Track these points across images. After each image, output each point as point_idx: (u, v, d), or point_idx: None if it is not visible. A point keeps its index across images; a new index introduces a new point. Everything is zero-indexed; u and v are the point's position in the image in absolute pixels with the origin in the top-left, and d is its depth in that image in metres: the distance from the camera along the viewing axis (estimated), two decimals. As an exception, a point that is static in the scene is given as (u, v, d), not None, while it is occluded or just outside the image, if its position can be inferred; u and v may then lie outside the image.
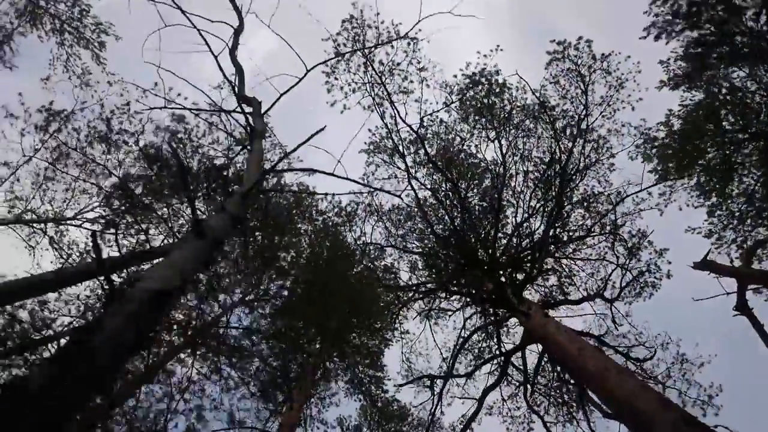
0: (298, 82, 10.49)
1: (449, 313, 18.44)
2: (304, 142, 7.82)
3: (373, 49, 13.86)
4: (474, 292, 15.88)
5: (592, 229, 16.70)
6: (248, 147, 9.69)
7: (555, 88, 15.58)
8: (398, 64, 14.20)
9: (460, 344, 15.94)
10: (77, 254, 14.53)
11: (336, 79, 14.22)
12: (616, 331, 15.61)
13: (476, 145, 17.77)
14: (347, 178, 8.91)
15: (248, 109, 10.55)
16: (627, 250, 16.71)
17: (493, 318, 15.47)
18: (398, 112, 14.84)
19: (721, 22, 12.25)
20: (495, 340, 15.96)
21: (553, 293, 17.59)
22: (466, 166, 18.21)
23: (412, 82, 14.72)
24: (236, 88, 11.41)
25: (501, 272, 15.66)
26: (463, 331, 16.61)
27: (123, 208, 14.19)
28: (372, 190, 16.90)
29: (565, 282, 17.13)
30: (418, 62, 14.47)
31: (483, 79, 16.99)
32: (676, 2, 12.37)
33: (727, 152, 17.11)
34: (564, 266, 17.26)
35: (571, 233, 16.89)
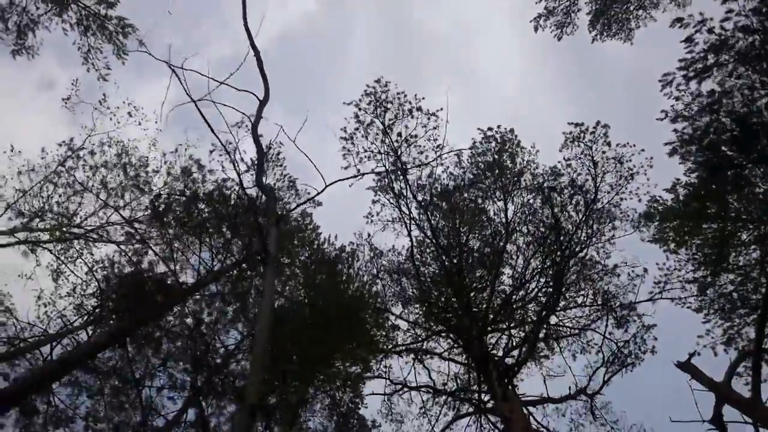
0: (317, 195, 10.66)
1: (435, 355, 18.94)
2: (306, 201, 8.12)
3: (393, 120, 13.97)
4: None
5: (585, 301, 17.17)
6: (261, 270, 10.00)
7: (568, 168, 15.72)
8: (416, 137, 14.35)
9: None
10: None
11: (353, 144, 14.38)
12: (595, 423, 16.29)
13: (482, 198, 18.02)
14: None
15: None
16: (616, 320, 17.23)
17: (476, 405, 16.10)
18: (409, 185, 15.02)
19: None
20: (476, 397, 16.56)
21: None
22: (470, 215, 18.48)
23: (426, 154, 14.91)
24: (255, 171, 11.56)
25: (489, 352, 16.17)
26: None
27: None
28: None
29: (551, 373, 17.70)
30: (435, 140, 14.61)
31: (498, 136, 17.17)
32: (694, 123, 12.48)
33: (728, 228, 17.38)
34: (550, 346, 17.77)
35: (567, 303, 17.35)
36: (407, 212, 17.01)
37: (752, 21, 13.16)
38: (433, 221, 18.15)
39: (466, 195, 18.18)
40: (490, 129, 17.25)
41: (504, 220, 17.15)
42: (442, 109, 14.09)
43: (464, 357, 17.60)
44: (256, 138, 11.55)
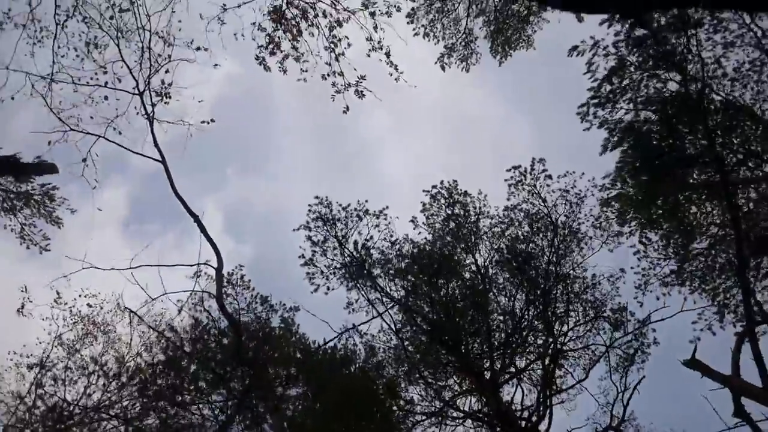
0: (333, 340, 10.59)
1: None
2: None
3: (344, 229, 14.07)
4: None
5: (578, 318, 17.46)
6: None
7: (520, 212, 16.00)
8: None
9: None
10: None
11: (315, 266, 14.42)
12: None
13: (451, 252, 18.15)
14: None
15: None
16: (612, 325, 17.57)
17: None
18: (381, 288, 15.09)
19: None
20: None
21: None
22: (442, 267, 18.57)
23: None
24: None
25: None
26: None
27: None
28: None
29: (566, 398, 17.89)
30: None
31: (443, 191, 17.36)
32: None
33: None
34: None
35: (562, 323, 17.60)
36: (381, 296, 17.02)
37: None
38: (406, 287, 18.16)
39: (431, 251, 18.30)
40: (434, 187, 17.45)
41: (475, 268, 17.33)
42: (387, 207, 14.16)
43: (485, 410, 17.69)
44: (226, 312, 11.52)
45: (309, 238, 14.31)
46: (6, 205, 18.58)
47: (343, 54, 12.05)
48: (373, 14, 12.09)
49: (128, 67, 13.46)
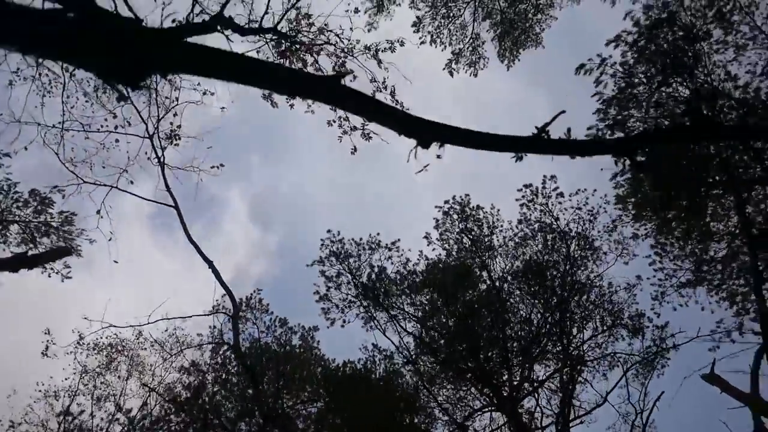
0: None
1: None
2: None
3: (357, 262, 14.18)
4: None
5: (596, 326, 17.47)
6: None
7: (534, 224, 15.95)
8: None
9: None
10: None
11: (330, 300, 14.60)
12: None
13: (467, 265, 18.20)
14: None
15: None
16: (630, 332, 17.55)
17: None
18: (397, 320, 15.23)
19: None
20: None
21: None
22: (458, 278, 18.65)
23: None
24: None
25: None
26: None
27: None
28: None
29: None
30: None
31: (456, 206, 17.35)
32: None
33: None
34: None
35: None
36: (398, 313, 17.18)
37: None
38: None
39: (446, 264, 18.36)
40: (446, 202, 17.44)
41: (490, 281, 17.39)
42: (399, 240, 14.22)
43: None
44: (244, 363, 11.72)
45: (323, 273, 14.50)
46: (26, 237, 19.02)
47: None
48: (377, 56, 12.03)
49: (137, 110, 13.60)
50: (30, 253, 7.58)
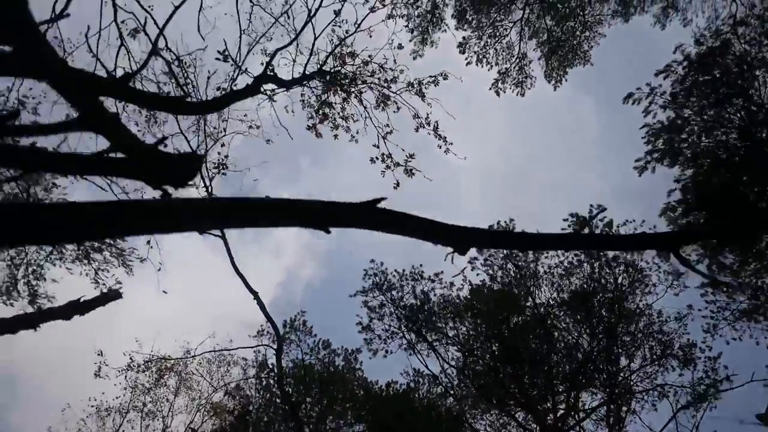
0: None
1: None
2: None
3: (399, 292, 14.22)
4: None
5: (646, 355, 17.04)
6: None
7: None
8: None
9: None
10: None
11: (372, 331, 14.69)
12: None
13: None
14: None
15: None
16: (681, 363, 17.03)
17: None
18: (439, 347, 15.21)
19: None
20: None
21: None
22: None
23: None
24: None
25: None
26: None
27: None
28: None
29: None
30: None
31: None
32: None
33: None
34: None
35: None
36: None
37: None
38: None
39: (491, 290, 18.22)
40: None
41: (534, 307, 17.17)
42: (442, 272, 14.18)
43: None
44: (284, 393, 11.86)
45: (365, 303, 14.58)
46: (80, 254, 19.80)
47: (390, 133, 12.03)
48: (421, 92, 12.03)
49: (187, 140, 13.92)
50: (82, 299, 7.92)
